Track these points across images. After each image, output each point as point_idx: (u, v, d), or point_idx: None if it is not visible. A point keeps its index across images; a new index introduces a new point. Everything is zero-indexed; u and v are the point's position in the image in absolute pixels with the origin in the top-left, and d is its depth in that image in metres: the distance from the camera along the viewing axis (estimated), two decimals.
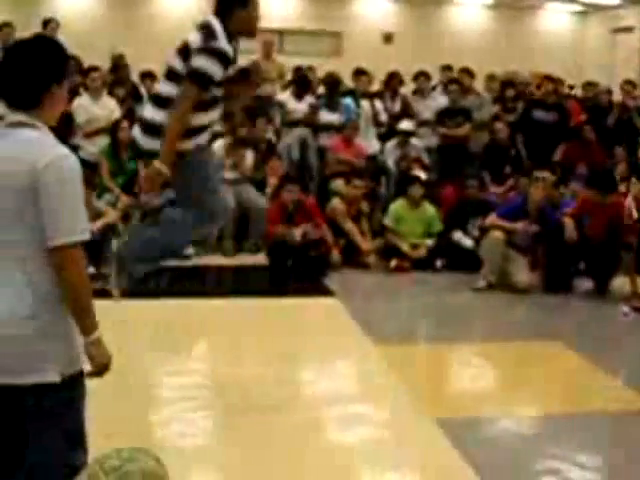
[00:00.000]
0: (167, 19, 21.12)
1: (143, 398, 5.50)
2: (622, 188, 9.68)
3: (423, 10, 22.66)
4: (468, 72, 12.08)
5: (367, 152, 10.87)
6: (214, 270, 9.23)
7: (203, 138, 5.39)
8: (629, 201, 8.56)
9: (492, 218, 8.74)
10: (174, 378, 5.97)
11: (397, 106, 11.65)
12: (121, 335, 6.58)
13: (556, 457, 4.89)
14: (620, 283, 8.57)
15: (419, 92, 11.87)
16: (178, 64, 5.32)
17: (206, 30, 5.27)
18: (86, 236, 3.04)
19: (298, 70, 13.03)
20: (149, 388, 5.72)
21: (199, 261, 9.26)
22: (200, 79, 5.13)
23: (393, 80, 11.99)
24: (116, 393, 5.42)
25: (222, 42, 5.21)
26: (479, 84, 12.78)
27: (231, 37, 5.33)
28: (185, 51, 5.32)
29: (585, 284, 8.75)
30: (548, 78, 11.80)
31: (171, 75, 5.37)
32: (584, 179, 9.76)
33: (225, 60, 5.18)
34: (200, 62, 5.14)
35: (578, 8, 23.67)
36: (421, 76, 11.99)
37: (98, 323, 3.14)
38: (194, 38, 5.29)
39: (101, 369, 3.22)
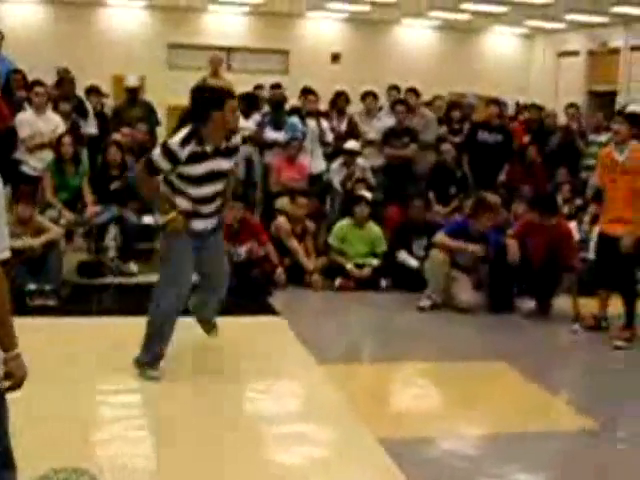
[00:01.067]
0: (114, 34, 21.06)
1: (86, 417, 5.43)
2: (565, 210, 9.80)
3: (371, 30, 22.83)
4: (414, 92, 12.14)
5: (310, 171, 10.89)
6: None
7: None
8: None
9: (441, 236, 8.78)
10: (117, 397, 5.90)
11: (344, 125, 11.69)
12: (65, 353, 6.54)
13: (501, 477, 4.92)
14: (561, 303, 8.66)
15: (367, 112, 11.92)
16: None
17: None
18: (6, 254, 3.02)
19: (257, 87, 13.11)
20: (92, 407, 5.65)
21: (143, 278, 9.18)
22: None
23: (340, 99, 12.04)
24: (59, 412, 5.38)
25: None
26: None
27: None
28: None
29: (527, 304, 8.82)
30: (493, 101, 11.91)
31: None
32: (527, 200, 9.87)
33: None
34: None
35: (525, 31, 23.99)
36: (369, 96, 12.04)
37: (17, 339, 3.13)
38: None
39: (20, 383, 3.21)
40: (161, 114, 12.13)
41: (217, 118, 5.90)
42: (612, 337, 7.73)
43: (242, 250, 8.85)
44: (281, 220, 9.54)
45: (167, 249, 6.36)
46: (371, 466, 4.98)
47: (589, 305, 8.28)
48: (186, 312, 7.75)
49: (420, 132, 11.55)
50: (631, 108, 7.92)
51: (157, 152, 5.93)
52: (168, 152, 5.88)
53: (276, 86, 12.04)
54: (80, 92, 11.97)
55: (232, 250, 8.79)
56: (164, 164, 5.91)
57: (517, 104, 15.34)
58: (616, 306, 8.13)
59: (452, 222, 9.28)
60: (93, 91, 12.10)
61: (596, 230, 8.66)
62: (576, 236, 9.22)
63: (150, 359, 6.22)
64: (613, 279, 7.91)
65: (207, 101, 6.00)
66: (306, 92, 12.12)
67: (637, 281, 8.25)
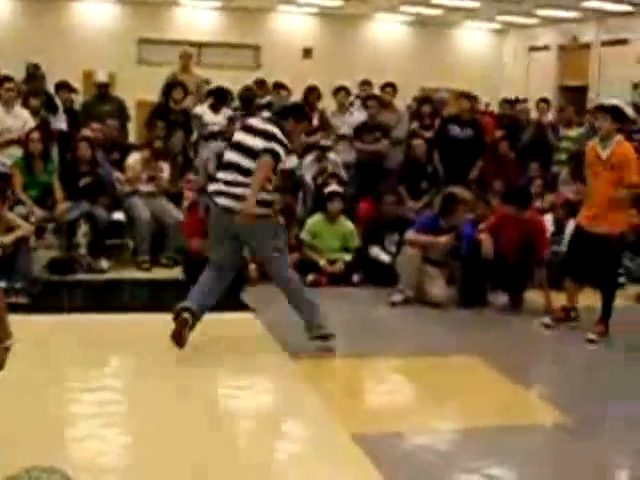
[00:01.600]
0: (84, 29, 20.92)
1: (58, 415, 5.39)
2: (537, 204, 9.82)
3: (343, 25, 22.80)
4: (393, 87, 12.10)
5: (282, 166, 10.82)
6: (129, 284, 9.10)
7: None
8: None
9: (411, 234, 8.77)
10: (89, 394, 5.85)
11: (315, 120, 11.65)
12: (36, 350, 6.48)
13: (473, 471, 4.93)
14: (534, 297, 8.69)
15: (339, 107, 11.89)
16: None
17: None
18: None
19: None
20: (64, 404, 5.61)
21: (114, 275, 9.14)
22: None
23: (311, 94, 12.00)
24: (30, 410, 5.33)
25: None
26: (398, 100, 12.85)
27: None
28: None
29: (500, 298, 8.83)
30: (464, 95, 11.91)
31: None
32: (500, 195, 9.89)
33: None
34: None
35: (496, 26, 24.05)
36: (341, 91, 12.02)
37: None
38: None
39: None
40: (131, 109, 12.04)
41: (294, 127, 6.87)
42: (586, 331, 7.74)
43: None
44: None
45: (283, 238, 7.04)
46: (345, 462, 4.97)
47: (561, 298, 8.30)
48: (160, 309, 7.74)
49: (392, 127, 11.55)
50: (612, 102, 7.89)
51: (276, 145, 6.54)
52: (284, 144, 6.60)
53: (260, 83, 11.97)
54: (50, 88, 11.88)
55: (204, 246, 8.74)
56: (283, 154, 6.66)
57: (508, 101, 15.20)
58: (585, 298, 8.21)
59: (422, 219, 9.25)
60: (62, 87, 12.00)
61: (571, 224, 8.69)
62: (549, 229, 9.24)
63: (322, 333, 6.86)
64: (589, 273, 7.94)
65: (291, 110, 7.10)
66: (278, 87, 12.08)
67: (618, 277, 8.31)
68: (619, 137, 7.67)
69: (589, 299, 8.12)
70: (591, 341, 7.59)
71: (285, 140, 6.61)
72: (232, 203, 6.55)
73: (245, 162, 6.59)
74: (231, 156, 6.74)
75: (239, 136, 6.81)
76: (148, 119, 11.05)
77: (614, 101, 7.95)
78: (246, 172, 6.56)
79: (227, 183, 6.64)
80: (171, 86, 11.44)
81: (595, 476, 5.02)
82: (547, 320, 8.10)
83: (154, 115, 11.00)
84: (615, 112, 7.67)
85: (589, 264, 7.81)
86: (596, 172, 7.70)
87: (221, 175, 6.79)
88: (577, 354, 7.41)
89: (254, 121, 6.93)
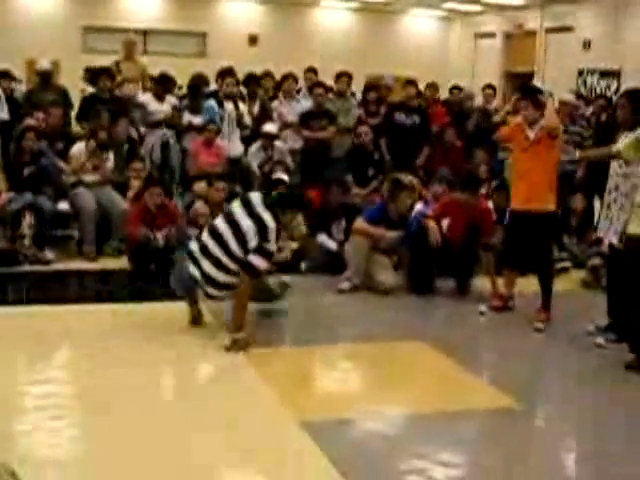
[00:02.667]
0: (27, 17, 20.66)
1: (3, 408, 5.33)
2: (482, 190, 9.88)
3: (288, 12, 22.78)
4: (348, 76, 12.08)
5: (229, 154, 10.81)
6: (75, 275, 9.01)
7: None
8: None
9: (359, 223, 8.76)
10: (35, 387, 5.79)
11: (256, 108, 11.62)
12: None
13: (422, 457, 4.94)
14: (481, 283, 8.74)
15: (286, 94, 11.85)
16: None
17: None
18: None
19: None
20: (9, 397, 5.53)
21: (59, 266, 9.04)
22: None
23: (251, 82, 11.96)
24: None
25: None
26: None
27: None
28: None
29: (447, 284, 8.87)
30: (410, 82, 11.94)
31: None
32: (446, 181, 9.93)
33: None
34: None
35: (442, 14, 24.15)
36: (288, 78, 11.97)
37: None
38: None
39: None
40: (75, 98, 11.89)
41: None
42: (531, 319, 7.80)
43: (160, 235, 8.74)
44: (199, 205, 9.45)
45: None
46: (293, 449, 4.99)
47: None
48: (107, 299, 7.69)
49: (341, 115, 11.55)
50: (529, 85, 8.01)
51: (263, 244, 6.57)
52: (269, 240, 6.63)
53: (229, 71, 11.88)
54: None
55: (150, 236, 8.69)
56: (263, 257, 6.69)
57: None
58: (523, 285, 8.32)
59: (371, 207, 9.27)
60: (3, 75, 11.82)
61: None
62: (494, 216, 9.29)
63: None
64: (525, 259, 8.02)
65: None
66: (223, 74, 12.00)
67: (553, 261, 8.38)
68: (543, 121, 7.71)
69: (533, 286, 8.16)
70: (538, 329, 7.64)
71: (273, 237, 6.58)
72: (201, 276, 6.71)
73: (231, 242, 6.62)
74: (220, 225, 6.75)
75: (235, 208, 6.79)
76: (80, 109, 10.96)
77: (531, 85, 8.06)
78: (229, 253, 6.61)
79: (205, 252, 6.72)
80: (97, 74, 11.25)
81: (545, 458, 5.07)
82: (483, 308, 8.13)
83: (85, 105, 10.89)
84: (532, 95, 7.78)
85: (525, 249, 7.88)
86: (526, 154, 7.75)
87: (204, 237, 6.79)
88: (522, 340, 7.46)
89: (256, 200, 6.80)
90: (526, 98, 7.83)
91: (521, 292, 8.31)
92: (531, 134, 7.70)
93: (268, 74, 12.83)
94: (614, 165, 7.18)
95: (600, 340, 7.15)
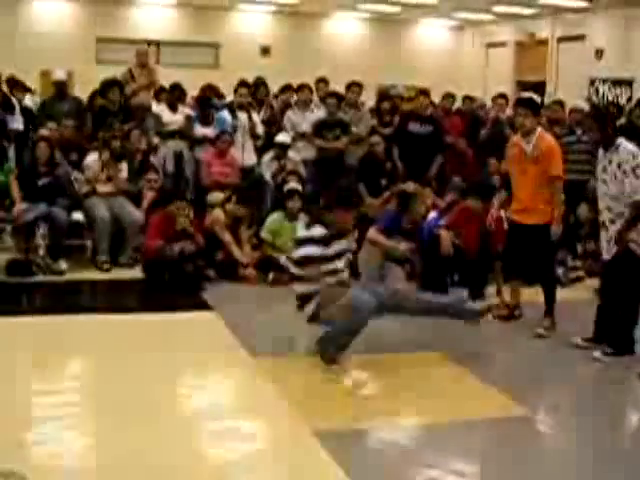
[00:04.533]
0: (42, 29, 20.79)
1: (17, 417, 5.34)
2: (495, 200, 9.87)
3: (300, 23, 22.83)
4: (359, 86, 12.09)
5: (242, 164, 10.86)
6: (89, 285, 9.04)
7: None
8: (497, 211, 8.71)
9: (373, 233, 8.76)
10: (48, 397, 5.80)
11: (261, 115, 11.73)
12: None
13: (436, 466, 4.94)
14: (493, 292, 8.72)
15: (300, 104, 11.87)
16: None
17: None
18: None
19: None
20: (22, 407, 5.54)
21: (73, 276, 9.07)
22: None
23: (258, 90, 12.02)
24: None
25: None
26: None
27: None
28: None
29: (461, 294, 8.84)
30: (422, 92, 11.95)
31: None
32: (460, 190, 9.93)
33: None
34: None
35: (454, 23, 24.17)
36: (304, 89, 11.99)
37: None
38: None
39: None
40: None
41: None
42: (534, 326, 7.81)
43: (176, 247, 8.77)
44: (218, 212, 9.46)
45: None
46: (307, 460, 4.97)
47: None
48: (120, 309, 7.72)
49: (354, 125, 11.56)
50: (526, 94, 7.97)
51: None
52: None
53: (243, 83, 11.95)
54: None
55: (167, 248, 8.72)
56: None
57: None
58: (528, 294, 8.32)
59: (384, 216, 9.26)
60: (16, 85, 11.89)
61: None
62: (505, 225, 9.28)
63: None
64: (526, 268, 8.01)
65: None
66: (238, 85, 12.04)
67: (555, 269, 8.37)
68: (539, 130, 7.76)
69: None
70: (540, 335, 7.65)
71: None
72: None
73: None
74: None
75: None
76: (94, 122, 10.99)
77: (527, 94, 8.04)
78: None
79: None
80: (107, 86, 11.26)
81: (557, 466, 5.06)
82: (489, 317, 8.10)
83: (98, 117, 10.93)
84: (533, 105, 7.76)
85: (526, 258, 7.87)
86: (522, 168, 7.75)
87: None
88: (529, 348, 7.44)
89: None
90: (526, 107, 7.77)
91: (530, 302, 8.30)
92: (527, 147, 7.68)
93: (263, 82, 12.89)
94: (602, 187, 7.13)
95: (597, 354, 7.12)
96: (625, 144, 6.95)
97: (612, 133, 7.02)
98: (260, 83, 12.29)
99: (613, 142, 6.93)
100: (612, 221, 7.05)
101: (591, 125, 7.16)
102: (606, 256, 7.24)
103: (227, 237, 9.33)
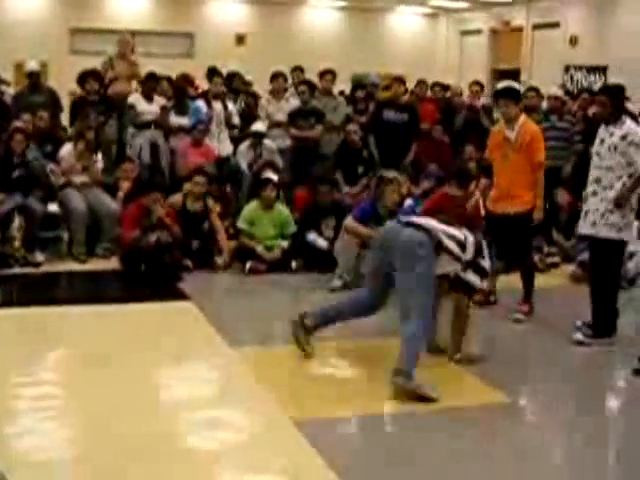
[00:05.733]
0: (15, 20, 20.60)
1: None
2: (472, 186, 9.88)
3: (275, 12, 22.77)
4: (332, 73, 12.06)
5: (218, 154, 10.84)
6: (66, 277, 9.01)
7: None
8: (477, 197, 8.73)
9: (350, 222, 8.74)
10: (26, 389, 5.77)
11: (236, 106, 11.72)
12: None
13: (415, 455, 4.96)
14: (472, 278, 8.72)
15: (275, 93, 11.83)
16: None
17: None
18: None
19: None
20: (2, 400, 5.52)
21: (50, 268, 9.04)
22: None
23: (234, 80, 11.98)
24: None
25: None
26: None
27: None
28: None
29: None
30: (398, 79, 11.93)
31: None
32: (434, 178, 9.93)
33: None
34: None
35: (428, 11, 24.17)
36: (278, 77, 11.93)
37: None
38: None
39: None
40: (63, 100, 11.88)
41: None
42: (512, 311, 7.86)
43: (152, 237, 8.75)
44: (176, 197, 9.45)
45: None
46: (287, 449, 4.98)
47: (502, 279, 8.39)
48: (97, 300, 7.69)
49: (329, 113, 11.54)
50: (504, 84, 8.01)
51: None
52: None
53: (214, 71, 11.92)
54: None
55: (143, 238, 8.70)
56: None
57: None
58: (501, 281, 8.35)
59: (360, 205, 9.24)
60: None
61: None
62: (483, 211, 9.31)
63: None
64: (504, 254, 8.05)
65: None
66: (212, 74, 12.00)
67: (532, 255, 8.41)
68: (523, 117, 7.80)
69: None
70: (517, 321, 7.71)
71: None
72: None
73: None
74: None
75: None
76: (70, 112, 10.94)
77: (505, 83, 8.07)
78: None
79: None
80: (84, 76, 11.18)
81: (539, 451, 5.09)
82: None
83: (75, 108, 10.88)
84: (512, 94, 7.79)
85: (504, 245, 7.93)
86: (504, 153, 7.79)
87: None
88: (507, 334, 7.49)
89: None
90: (506, 97, 7.80)
91: (504, 289, 8.35)
92: (511, 135, 7.72)
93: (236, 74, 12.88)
94: (595, 159, 7.22)
95: (578, 336, 7.17)
96: (630, 121, 7.15)
97: (622, 109, 7.20)
98: (233, 75, 12.25)
99: (620, 117, 7.07)
100: (594, 193, 7.14)
101: (604, 101, 7.21)
102: (581, 231, 7.36)
103: (219, 225, 9.40)
